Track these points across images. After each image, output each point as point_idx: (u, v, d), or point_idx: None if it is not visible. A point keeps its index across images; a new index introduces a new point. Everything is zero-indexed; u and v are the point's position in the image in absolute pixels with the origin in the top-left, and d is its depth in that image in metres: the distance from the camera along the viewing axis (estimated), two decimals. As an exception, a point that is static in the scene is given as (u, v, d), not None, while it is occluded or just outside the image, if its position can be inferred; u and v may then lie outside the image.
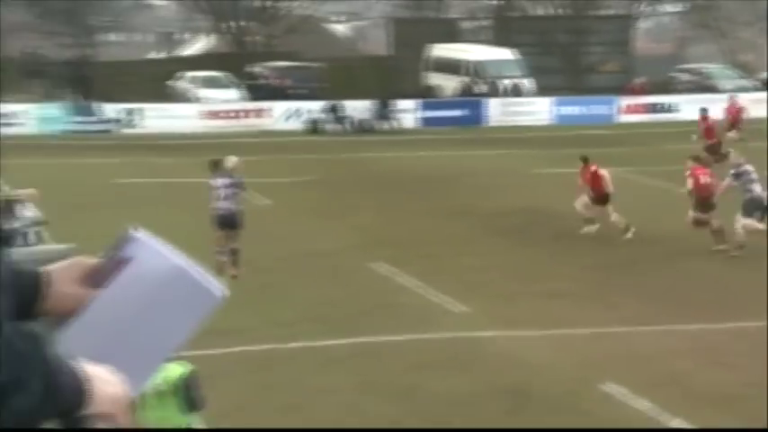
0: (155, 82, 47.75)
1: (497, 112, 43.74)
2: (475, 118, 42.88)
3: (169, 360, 8.83)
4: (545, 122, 43.15)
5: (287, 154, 32.34)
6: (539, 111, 44.22)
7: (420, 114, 43.18)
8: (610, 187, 21.85)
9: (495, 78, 45.63)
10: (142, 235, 1.82)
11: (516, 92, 45.14)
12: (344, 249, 20.80)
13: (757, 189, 20.45)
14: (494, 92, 44.98)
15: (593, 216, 21.79)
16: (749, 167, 20.81)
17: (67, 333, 1.76)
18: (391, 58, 54.17)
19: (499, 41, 51.75)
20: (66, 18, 50.00)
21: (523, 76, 46.26)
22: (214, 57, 53.05)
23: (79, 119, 39.11)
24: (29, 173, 26.36)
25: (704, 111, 31.01)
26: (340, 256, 20.25)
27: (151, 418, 10.25)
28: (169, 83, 45.84)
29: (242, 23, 52.43)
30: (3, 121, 37.43)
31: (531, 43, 52.61)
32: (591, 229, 21.78)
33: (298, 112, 41.29)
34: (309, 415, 12.69)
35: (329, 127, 40.72)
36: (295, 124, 40.93)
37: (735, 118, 34.13)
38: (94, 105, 40.42)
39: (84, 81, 44.07)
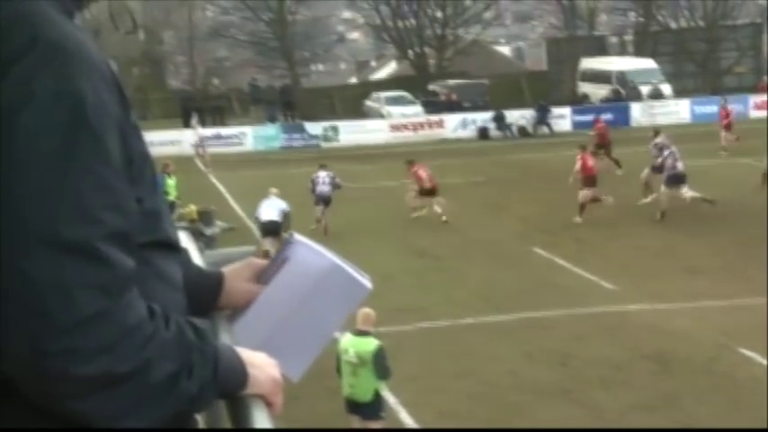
0: (351, 102, 48.51)
1: (641, 113, 42.38)
2: (621, 120, 41.58)
3: (363, 337, 8.74)
4: (684, 121, 41.53)
5: (459, 158, 32.25)
6: (678, 111, 42.60)
7: (572, 119, 42.31)
8: (429, 183, 22.33)
9: (637, 84, 44.33)
10: (300, 238, 1.76)
11: (656, 95, 43.69)
12: (508, 237, 20.60)
13: (680, 166, 21.47)
14: (636, 96, 43.64)
15: None
16: (674, 148, 21.88)
17: (235, 324, 1.73)
18: (547, 72, 53.35)
19: (641, 52, 50.26)
20: (280, 54, 51.35)
21: (662, 82, 44.76)
22: (398, 79, 53.51)
23: (290, 136, 40.03)
24: (252, 181, 27.18)
25: (597, 115, 31.30)
26: (505, 243, 20.07)
27: (347, 385, 10.35)
28: (365, 102, 46.43)
29: (420, 50, 52.68)
30: (228, 141, 38.76)
31: (669, 53, 51.06)
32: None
33: (468, 122, 41.14)
34: (480, 379, 12.58)
35: (495, 134, 40.42)
36: (465, 133, 40.81)
37: (727, 121, 32.94)
38: (302, 124, 41.33)
39: (293, 105, 45.12)
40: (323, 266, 1.71)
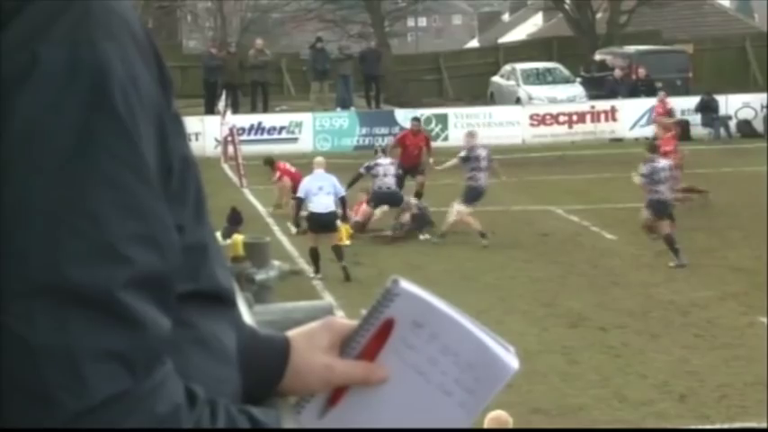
0: (468, 79, 48.69)
1: None
2: None
3: None
4: None
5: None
6: None
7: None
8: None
9: None
10: (409, 286, 1.72)
11: None
12: (719, 299, 20.39)
13: (482, 179, 24.50)
14: None
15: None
16: (482, 152, 24.92)
17: (307, 419, 1.75)
18: (789, 35, 52.86)
19: None
20: (359, 2, 51.86)
21: None
22: (545, 43, 53.55)
23: (371, 130, 40.06)
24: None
25: (416, 120, 32.47)
26: (713, 309, 19.85)
27: None
28: (491, 79, 46.52)
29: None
30: (275, 136, 39.06)
31: None
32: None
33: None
34: None
35: (700, 132, 40.12)
36: (651, 129, 40.51)
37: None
38: (391, 112, 41.53)
39: (377, 81, 45.30)
40: (451, 336, 1.71)
